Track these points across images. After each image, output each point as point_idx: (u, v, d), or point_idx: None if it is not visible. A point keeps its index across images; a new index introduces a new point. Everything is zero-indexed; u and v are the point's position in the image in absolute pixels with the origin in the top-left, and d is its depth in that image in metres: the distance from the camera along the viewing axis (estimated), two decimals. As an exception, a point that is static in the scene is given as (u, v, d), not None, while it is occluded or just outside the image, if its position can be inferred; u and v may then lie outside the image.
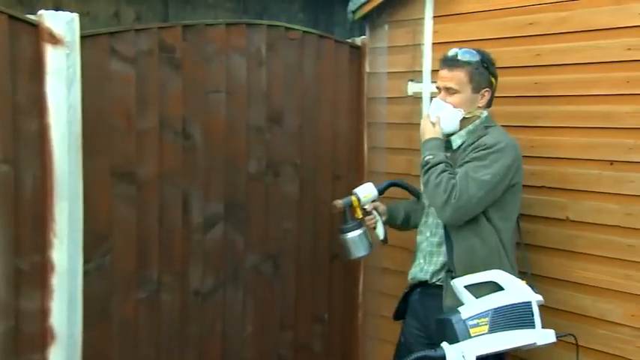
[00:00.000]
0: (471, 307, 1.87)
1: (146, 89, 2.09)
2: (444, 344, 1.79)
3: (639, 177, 2.08)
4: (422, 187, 2.14)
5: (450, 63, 2.05)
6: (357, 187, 2.33)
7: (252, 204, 2.51)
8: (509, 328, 1.85)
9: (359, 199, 2.26)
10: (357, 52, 2.92)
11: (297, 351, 2.72)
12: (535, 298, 1.85)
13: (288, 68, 2.61)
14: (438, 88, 2.11)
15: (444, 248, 2.05)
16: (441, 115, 2.06)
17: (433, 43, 2.66)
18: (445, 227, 2.03)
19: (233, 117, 2.41)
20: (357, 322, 2.99)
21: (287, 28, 2.59)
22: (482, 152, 1.95)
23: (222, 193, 2.39)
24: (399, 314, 2.26)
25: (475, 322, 1.81)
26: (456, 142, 2.10)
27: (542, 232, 2.32)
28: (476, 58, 2.05)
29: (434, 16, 2.65)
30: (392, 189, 2.38)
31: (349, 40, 2.95)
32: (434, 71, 2.52)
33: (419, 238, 2.20)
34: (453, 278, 1.97)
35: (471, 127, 2.09)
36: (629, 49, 2.07)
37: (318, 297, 2.81)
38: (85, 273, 1.95)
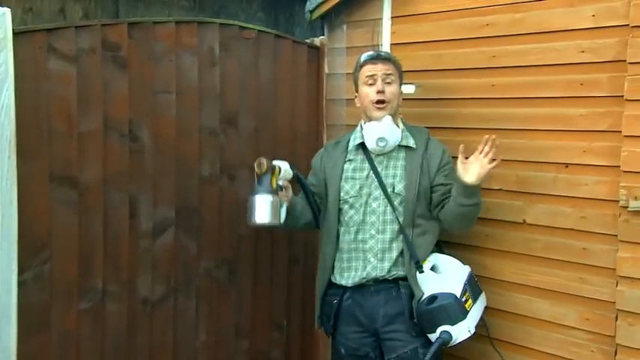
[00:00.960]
0: (451, 286, 2.03)
1: (88, 89, 1.99)
2: (445, 328, 1.94)
3: (593, 180, 2.08)
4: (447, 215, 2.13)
5: (384, 57, 2.20)
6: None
7: (205, 208, 2.42)
8: (478, 294, 2.15)
9: (280, 171, 2.13)
10: (316, 52, 2.87)
11: (255, 360, 2.64)
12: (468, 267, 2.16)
13: (244, 68, 2.54)
14: (369, 78, 2.15)
15: (396, 244, 2.12)
16: (392, 134, 2.16)
17: (391, 44, 2.63)
18: (401, 223, 2.10)
19: (184, 118, 2.32)
20: (317, 330, 2.92)
21: (241, 27, 2.52)
22: (450, 164, 2.20)
23: (173, 198, 2.30)
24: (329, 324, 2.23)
25: (464, 297, 2.03)
26: (410, 141, 2.20)
27: (500, 235, 2.30)
28: (395, 57, 2.27)
29: (392, 17, 2.62)
30: None
31: (308, 41, 2.89)
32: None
33: (359, 237, 2.16)
34: (420, 269, 2.07)
35: (401, 125, 2.23)
36: (583, 51, 2.07)
37: (277, 304, 2.74)
38: (21, 283, 1.84)
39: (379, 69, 2.16)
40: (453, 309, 1.97)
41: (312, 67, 2.85)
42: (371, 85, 2.16)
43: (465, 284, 2.06)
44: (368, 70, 2.17)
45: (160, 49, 2.21)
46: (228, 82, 2.48)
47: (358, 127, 2.28)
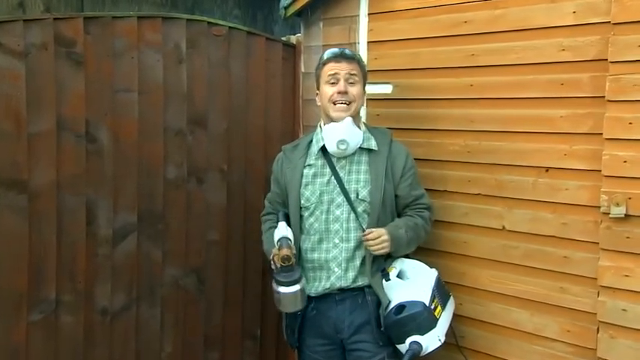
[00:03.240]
0: (419, 293, 1.93)
1: (40, 87, 1.88)
2: (415, 338, 1.85)
3: (574, 184, 1.98)
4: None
5: (348, 56, 2.06)
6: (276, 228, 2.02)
7: (171, 213, 2.31)
8: (446, 300, 2.06)
9: (291, 244, 1.91)
10: (292, 50, 2.76)
11: (226, 370, 2.53)
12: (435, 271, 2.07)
13: (213, 66, 2.43)
14: (331, 77, 2.04)
15: (359, 252, 2.01)
16: (353, 136, 2.03)
17: (368, 42, 2.52)
18: (364, 230, 1.99)
19: (148, 118, 2.21)
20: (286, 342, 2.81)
21: (210, 23, 2.41)
22: (413, 169, 2.12)
23: (135, 202, 2.19)
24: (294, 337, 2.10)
25: (433, 305, 1.93)
26: (372, 143, 2.08)
27: (478, 242, 2.20)
28: (360, 56, 2.16)
29: (369, 14, 2.51)
30: None
31: (283, 38, 2.78)
32: (370, 72, 2.38)
33: (322, 246, 2.03)
34: (386, 276, 1.97)
35: (363, 127, 2.12)
36: (564, 49, 1.97)
37: (250, 312, 2.63)
38: (-37, 294, 1.73)
39: (343, 68, 2.04)
40: (422, 318, 1.88)
41: (288, 65, 2.75)
42: (333, 84, 2.04)
43: (433, 290, 1.96)
44: (331, 68, 2.05)
45: (121, 45, 2.10)
46: (197, 81, 2.37)
47: (317, 129, 2.14)
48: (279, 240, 1.92)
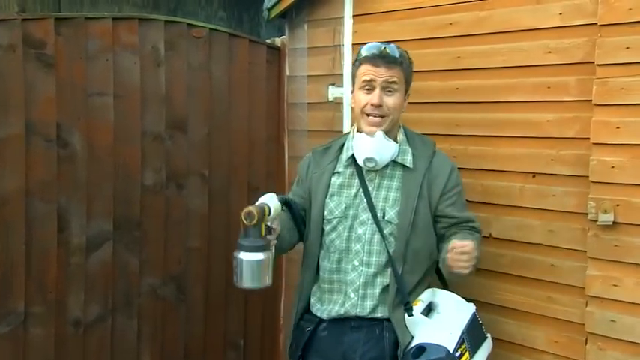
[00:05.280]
0: (445, 335, 1.68)
1: (7, 90, 1.82)
2: None
3: (561, 191, 1.92)
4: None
5: (389, 59, 1.76)
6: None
7: (149, 220, 2.24)
8: (479, 343, 1.77)
9: (269, 211, 1.66)
10: (277, 53, 2.70)
11: (207, 382, 2.46)
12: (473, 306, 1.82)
13: (193, 69, 2.37)
14: (367, 83, 1.76)
15: (381, 278, 1.78)
16: (383, 153, 1.78)
17: (353, 44, 2.46)
18: (390, 255, 1.74)
19: (124, 123, 2.15)
20: (278, 347, 2.74)
21: (190, 25, 2.35)
22: (459, 187, 1.86)
23: (110, 209, 2.12)
24: (297, 354, 1.87)
25: (459, 351, 1.66)
26: (406, 158, 1.82)
27: (464, 249, 2.13)
28: (407, 55, 1.83)
29: (354, 15, 2.45)
30: None
31: (268, 41, 2.73)
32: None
33: (342, 266, 1.81)
34: (409, 311, 1.72)
35: (401, 136, 1.85)
36: (550, 52, 1.92)
37: (232, 321, 2.57)
38: None
39: (380, 74, 1.75)
40: None
41: (272, 68, 2.69)
42: (368, 90, 1.76)
43: (462, 333, 1.69)
44: (367, 71, 1.76)
45: (94, 47, 2.03)
46: (176, 84, 2.31)
47: (352, 133, 1.88)
48: (258, 204, 1.66)
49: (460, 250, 1.61)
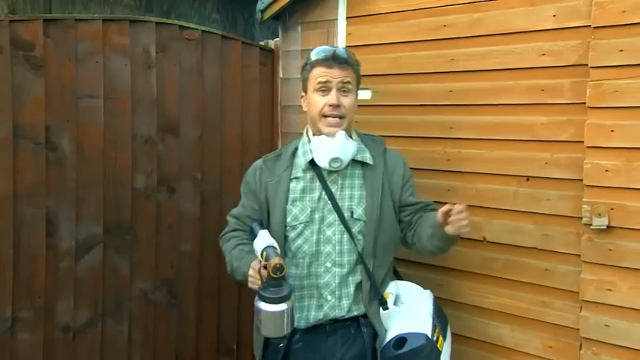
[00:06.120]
0: (419, 323, 1.72)
1: (-6, 93, 1.79)
2: None
3: (555, 194, 1.90)
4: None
5: (341, 60, 1.77)
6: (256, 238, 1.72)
7: (140, 224, 2.22)
8: (445, 326, 1.83)
9: (279, 254, 1.62)
10: (270, 55, 2.68)
11: (199, 388, 2.44)
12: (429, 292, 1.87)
13: (186, 71, 2.35)
14: (322, 85, 1.76)
15: (353, 277, 1.78)
16: (346, 152, 1.78)
17: (347, 46, 2.43)
18: (360, 253, 1.75)
19: (114, 125, 2.13)
20: None
21: (182, 27, 2.33)
22: (412, 178, 1.91)
23: (100, 213, 2.10)
24: None
25: (435, 336, 1.71)
26: (366, 156, 1.83)
27: (458, 253, 2.11)
28: (355, 57, 1.85)
29: (347, 17, 2.44)
30: None
31: (261, 43, 2.71)
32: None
33: (312, 270, 1.79)
34: (384, 305, 1.75)
35: (355, 135, 1.87)
36: (544, 54, 1.90)
37: (226, 325, 2.54)
38: None
39: (335, 75, 1.75)
40: (425, 353, 1.64)
41: (266, 71, 2.67)
42: (324, 92, 1.76)
43: (433, 318, 1.73)
44: (321, 73, 1.76)
45: (84, 49, 2.01)
46: (167, 86, 2.29)
47: (304, 138, 1.86)
48: (264, 249, 1.63)
49: (457, 210, 1.63)
